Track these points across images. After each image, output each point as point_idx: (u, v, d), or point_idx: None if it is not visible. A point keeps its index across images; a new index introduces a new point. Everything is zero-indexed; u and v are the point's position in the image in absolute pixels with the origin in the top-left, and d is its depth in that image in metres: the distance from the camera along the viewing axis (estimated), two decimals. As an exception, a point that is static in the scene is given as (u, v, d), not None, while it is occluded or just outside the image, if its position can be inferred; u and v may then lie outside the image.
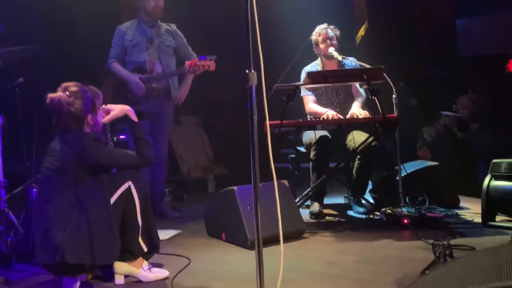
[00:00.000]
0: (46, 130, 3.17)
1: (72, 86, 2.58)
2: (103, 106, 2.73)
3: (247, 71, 2.04)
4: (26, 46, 3.43)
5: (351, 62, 4.19)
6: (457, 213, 3.90)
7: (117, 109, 2.75)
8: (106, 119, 2.72)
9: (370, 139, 3.89)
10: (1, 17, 3.18)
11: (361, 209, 4.07)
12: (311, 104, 4.23)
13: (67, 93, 2.54)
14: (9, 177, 3.27)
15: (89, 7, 5.18)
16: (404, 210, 3.76)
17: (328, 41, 4.16)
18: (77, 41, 5.10)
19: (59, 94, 2.54)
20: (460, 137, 5.28)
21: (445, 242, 2.60)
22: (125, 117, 2.76)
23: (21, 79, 3.44)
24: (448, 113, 5.48)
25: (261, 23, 2.10)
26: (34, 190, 3.29)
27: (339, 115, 3.92)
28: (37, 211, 2.53)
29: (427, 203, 3.96)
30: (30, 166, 3.44)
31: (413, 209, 3.87)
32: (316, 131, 3.88)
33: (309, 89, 4.26)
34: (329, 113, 3.92)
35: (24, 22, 4.58)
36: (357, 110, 3.99)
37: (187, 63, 4.15)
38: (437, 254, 2.56)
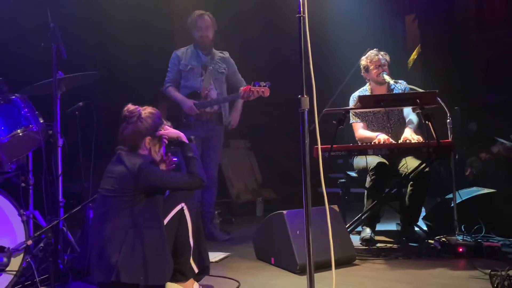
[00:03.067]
0: (103, 153, 3.30)
1: (151, 108, 2.79)
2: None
3: (299, 96, 2.07)
4: (87, 72, 3.59)
5: (401, 86, 4.14)
6: (515, 243, 3.74)
7: (171, 131, 2.85)
8: (160, 132, 2.82)
9: (423, 165, 3.80)
10: (63, 43, 3.33)
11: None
12: (361, 131, 4.20)
13: (144, 110, 2.73)
14: (67, 197, 3.40)
15: (146, 33, 5.38)
16: (459, 238, 3.63)
17: (380, 68, 4.14)
18: (133, 67, 5.30)
19: (137, 107, 2.73)
20: None
21: (503, 273, 2.50)
22: (177, 140, 2.85)
23: (81, 103, 3.60)
24: (504, 140, 5.32)
25: (312, 48, 2.13)
26: (91, 210, 3.40)
27: (390, 139, 3.86)
28: (93, 230, 2.62)
29: (483, 231, 3.81)
30: (87, 186, 3.56)
31: (469, 237, 3.73)
32: (368, 156, 3.83)
33: (358, 116, 4.23)
34: (381, 137, 3.88)
35: (85, 48, 4.80)
36: (409, 134, 3.92)
37: (241, 89, 4.24)
38: (495, 285, 2.46)
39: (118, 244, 2.46)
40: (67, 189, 3.48)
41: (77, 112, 3.57)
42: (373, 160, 3.93)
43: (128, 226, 2.50)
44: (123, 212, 2.52)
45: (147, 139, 2.71)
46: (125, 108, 2.73)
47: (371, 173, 3.92)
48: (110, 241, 2.48)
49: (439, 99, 3.58)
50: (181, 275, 2.64)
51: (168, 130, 2.85)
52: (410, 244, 3.90)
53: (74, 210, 3.22)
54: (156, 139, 2.76)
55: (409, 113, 4.17)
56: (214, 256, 3.58)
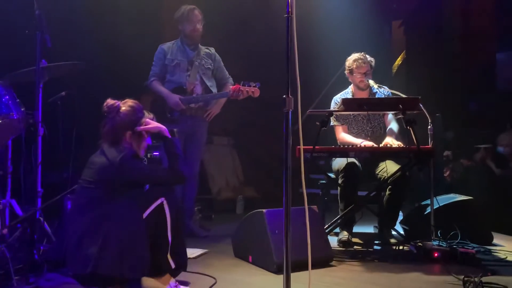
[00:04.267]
0: (84, 144, 3.27)
1: (132, 101, 2.76)
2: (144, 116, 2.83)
3: (284, 96, 2.08)
4: (70, 62, 3.55)
5: (383, 91, 4.17)
6: (490, 250, 3.80)
7: (152, 124, 2.82)
8: (140, 128, 2.78)
9: (403, 170, 3.84)
10: (49, 31, 3.29)
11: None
12: (343, 134, 4.22)
13: (124, 104, 2.71)
14: (46, 187, 3.36)
15: (133, 25, 5.34)
16: (435, 243, 3.68)
17: (363, 76, 4.15)
18: (118, 58, 5.26)
19: (116, 101, 2.71)
20: (498, 174, 5.18)
21: (476, 279, 2.54)
22: (158, 135, 2.83)
23: (64, 92, 3.56)
24: (485, 146, 5.41)
25: (299, 48, 2.14)
26: (69, 201, 3.37)
27: (374, 146, 3.89)
28: (71, 221, 2.60)
29: (459, 237, 3.87)
30: (66, 177, 3.53)
31: (444, 243, 3.79)
32: (340, 158, 3.86)
33: (339, 119, 4.26)
34: (365, 144, 3.91)
35: (70, 37, 4.75)
36: (391, 140, 3.96)
37: (231, 87, 4.25)
38: (468, 291, 2.51)
39: (96, 236, 2.44)
40: (46, 179, 3.45)
41: (59, 102, 3.54)
42: (343, 162, 3.97)
43: (106, 219, 2.48)
44: (102, 204, 2.51)
45: (128, 133, 2.70)
46: (105, 103, 2.71)
47: (341, 174, 3.96)
48: (88, 232, 2.46)
49: (421, 105, 3.62)
50: (158, 270, 2.63)
51: (149, 125, 2.80)
52: (386, 247, 3.95)
53: (52, 200, 3.20)
54: (138, 133, 2.74)
55: (391, 120, 4.21)
56: (192, 252, 3.58)
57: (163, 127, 2.85)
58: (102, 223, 2.47)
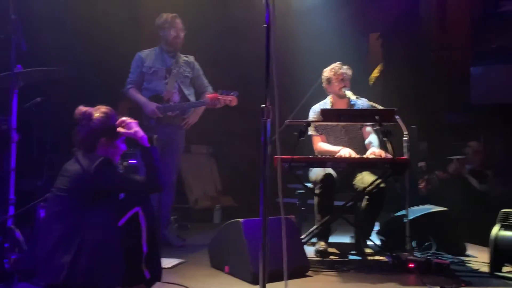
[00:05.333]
0: (59, 151, 3.22)
1: (105, 108, 2.71)
2: (127, 118, 2.75)
3: (263, 105, 2.08)
4: (47, 68, 3.50)
5: (362, 102, 4.21)
6: (463, 260, 3.85)
7: (133, 129, 2.72)
8: (120, 129, 2.71)
9: (379, 180, 3.88)
10: (25, 36, 3.24)
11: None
12: (321, 144, 4.25)
13: (97, 111, 2.66)
14: (19, 195, 3.29)
15: (110, 32, 5.31)
16: (410, 254, 3.72)
17: (342, 82, 4.19)
18: (95, 64, 5.21)
19: (89, 108, 2.66)
20: (480, 189, 5.23)
21: (450, 290, 2.57)
22: (137, 143, 2.78)
23: (39, 99, 3.51)
24: (457, 157, 5.48)
25: (277, 58, 2.15)
26: (43, 209, 3.31)
27: (352, 155, 3.91)
28: (44, 230, 2.55)
29: (433, 248, 3.91)
30: (40, 185, 3.46)
31: (419, 253, 3.82)
32: (317, 168, 3.87)
33: (317, 129, 4.28)
34: (345, 152, 3.93)
35: (46, 43, 4.69)
36: (377, 150, 3.98)
37: (208, 96, 4.24)
38: (443, 302, 2.53)
39: (69, 245, 2.39)
40: (19, 187, 3.38)
41: (34, 108, 3.48)
42: (320, 173, 3.98)
43: (80, 227, 2.44)
44: (75, 212, 2.46)
45: (102, 140, 2.65)
46: (76, 111, 2.66)
47: (318, 185, 3.98)
48: (61, 241, 2.41)
49: (397, 117, 3.66)
50: (132, 280, 2.59)
51: (131, 129, 2.71)
52: (363, 257, 3.96)
53: (25, 208, 3.14)
54: (113, 139, 2.69)
55: (370, 132, 4.25)
56: (168, 262, 3.54)
57: (143, 134, 2.74)
58: (75, 232, 2.42)
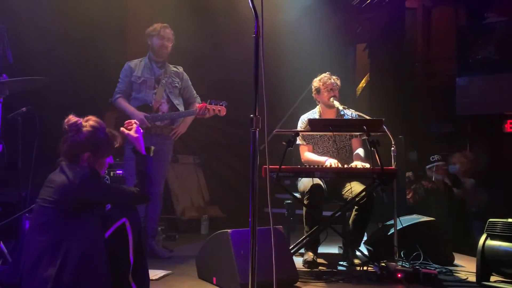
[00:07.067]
0: (44, 162, 3.17)
1: (94, 121, 2.65)
2: (136, 122, 2.84)
3: (251, 115, 2.07)
4: (33, 77, 3.47)
5: (350, 112, 4.24)
6: (451, 270, 3.86)
7: (137, 135, 2.80)
8: (124, 130, 2.79)
9: (367, 190, 3.88)
10: (11, 46, 3.22)
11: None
12: (307, 153, 4.26)
13: (86, 123, 2.61)
14: (3, 206, 3.24)
15: (98, 41, 5.29)
16: (399, 264, 3.72)
17: (331, 92, 4.22)
18: (82, 74, 5.18)
19: (78, 119, 2.61)
20: (457, 194, 5.29)
21: (438, 300, 2.56)
22: (134, 148, 2.80)
23: (24, 108, 3.47)
24: (430, 165, 5.54)
25: (266, 68, 2.15)
26: (27, 220, 3.25)
27: (339, 164, 3.92)
28: (28, 242, 2.50)
29: (421, 258, 3.92)
30: (25, 196, 3.41)
31: (407, 263, 3.83)
32: (305, 178, 3.87)
33: (304, 138, 4.29)
34: (331, 162, 3.94)
35: (32, 53, 4.65)
36: (359, 163, 4.00)
37: (197, 106, 4.23)
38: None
39: (54, 257, 2.35)
40: (3, 198, 3.33)
41: (19, 118, 3.44)
42: (308, 183, 3.98)
43: (65, 239, 2.39)
44: (61, 224, 2.42)
45: (86, 154, 2.59)
46: (66, 120, 2.60)
47: (306, 196, 3.98)
48: (46, 253, 2.36)
49: (385, 127, 3.69)
50: (118, 292, 2.55)
51: (133, 134, 2.78)
52: (351, 267, 3.96)
53: (9, 220, 3.09)
54: (96, 156, 2.63)
55: (358, 145, 4.28)
56: (155, 274, 3.50)
57: (141, 141, 2.80)
58: (60, 244, 2.38)
